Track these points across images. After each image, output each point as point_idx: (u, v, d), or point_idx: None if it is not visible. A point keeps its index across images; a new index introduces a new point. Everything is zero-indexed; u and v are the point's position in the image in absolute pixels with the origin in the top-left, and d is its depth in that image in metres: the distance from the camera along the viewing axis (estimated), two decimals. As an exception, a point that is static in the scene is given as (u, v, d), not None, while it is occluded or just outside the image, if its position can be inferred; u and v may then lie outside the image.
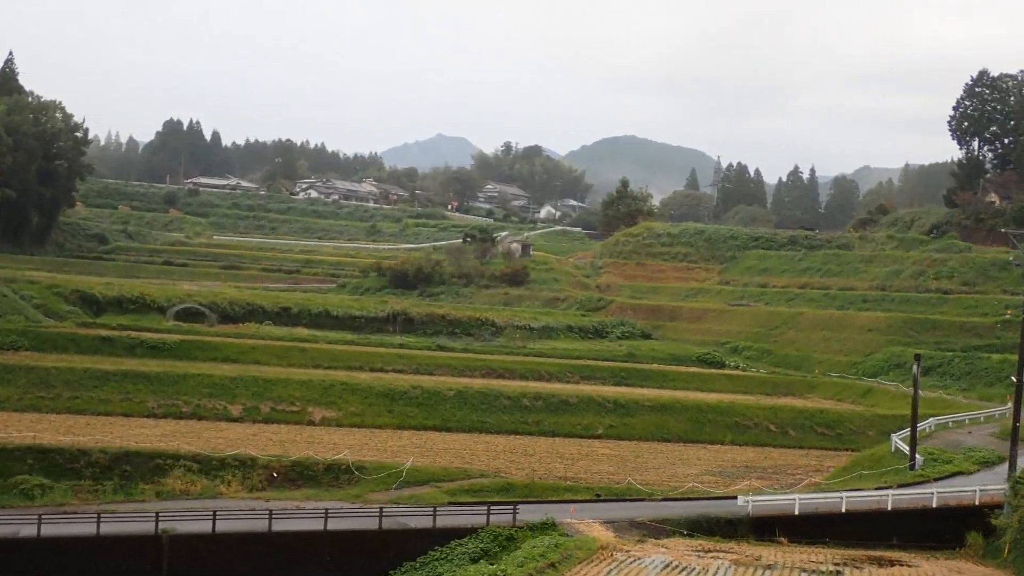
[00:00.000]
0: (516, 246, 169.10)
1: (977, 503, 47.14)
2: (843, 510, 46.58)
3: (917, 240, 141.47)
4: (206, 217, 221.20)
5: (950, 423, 68.99)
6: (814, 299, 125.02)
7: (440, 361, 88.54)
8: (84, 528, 39.54)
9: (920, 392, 57.98)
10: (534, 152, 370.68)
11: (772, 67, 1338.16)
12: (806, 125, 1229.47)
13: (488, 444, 64.75)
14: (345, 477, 51.96)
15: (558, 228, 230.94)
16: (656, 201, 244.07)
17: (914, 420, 56.53)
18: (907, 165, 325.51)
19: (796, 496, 47.93)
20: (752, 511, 45.65)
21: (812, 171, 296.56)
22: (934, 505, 47.44)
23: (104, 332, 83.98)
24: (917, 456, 55.81)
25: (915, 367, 57.47)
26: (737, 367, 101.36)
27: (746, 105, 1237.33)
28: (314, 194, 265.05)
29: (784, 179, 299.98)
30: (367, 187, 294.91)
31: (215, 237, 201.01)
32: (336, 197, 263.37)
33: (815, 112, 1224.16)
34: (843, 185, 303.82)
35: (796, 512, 45.97)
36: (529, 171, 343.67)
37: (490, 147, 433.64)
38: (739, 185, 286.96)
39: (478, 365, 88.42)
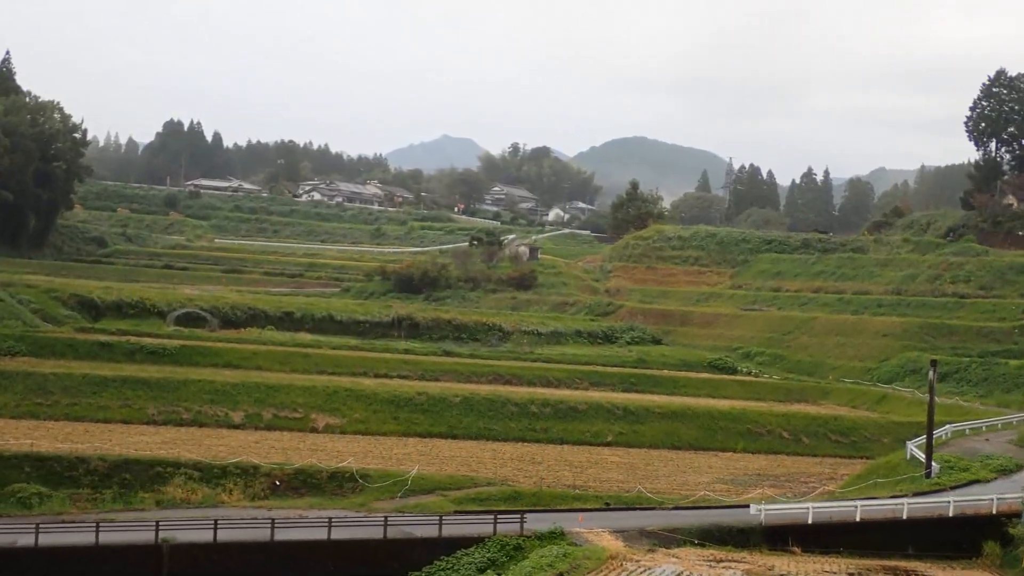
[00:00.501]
0: (524, 249, 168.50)
1: (994, 512, 46.73)
2: (857, 519, 46.23)
3: (933, 243, 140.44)
4: (207, 220, 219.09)
5: (967, 430, 68.32)
6: (828, 303, 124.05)
7: (446, 367, 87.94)
8: (83, 537, 38.98)
9: (936, 398, 57.36)
10: (542, 153, 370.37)
11: (784, 67, 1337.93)
12: (820, 126, 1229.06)
13: (495, 452, 64.13)
14: (349, 485, 51.60)
15: (566, 231, 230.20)
16: (667, 203, 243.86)
17: (930, 427, 55.97)
18: (923, 167, 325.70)
19: (809, 505, 47.64)
20: (764, 520, 45.33)
21: (826, 173, 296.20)
22: (950, 514, 47.06)
23: (103, 337, 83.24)
24: (933, 464, 55.24)
25: (931, 373, 56.79)
26: (749, 373, 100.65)
27: (758, 106, 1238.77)
28: (317, 196, 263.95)
29: (797, 181, 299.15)
30: (371, 189, 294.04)
31: (216, 240, 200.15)
32: (340, 199, 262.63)
33: (829, 113, 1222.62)
34: (858, 187, 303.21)
35: (809, 521, 45.73)
36: (537, 173, 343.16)
37: (497, 148, 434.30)
38: (751, 187, 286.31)
39: (485, 371, 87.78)
